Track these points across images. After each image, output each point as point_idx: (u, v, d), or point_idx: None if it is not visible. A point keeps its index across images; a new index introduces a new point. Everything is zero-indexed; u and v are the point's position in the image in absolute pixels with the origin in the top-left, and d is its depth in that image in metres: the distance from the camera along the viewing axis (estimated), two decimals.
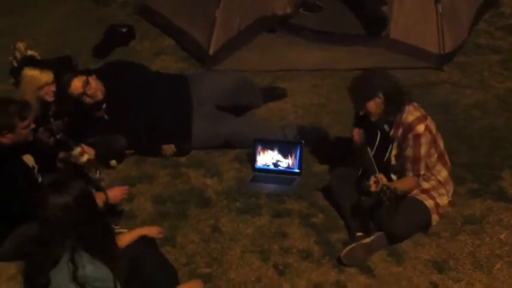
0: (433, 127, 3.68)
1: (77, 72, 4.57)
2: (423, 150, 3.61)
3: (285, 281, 3.49)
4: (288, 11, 6.07)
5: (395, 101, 3.64)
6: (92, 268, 2.60)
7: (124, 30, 6.12)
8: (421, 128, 3.59)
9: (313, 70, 5.61)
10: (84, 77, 4.40)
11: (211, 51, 5.61)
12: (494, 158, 4.41)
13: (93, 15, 6.64)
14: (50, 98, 4.23)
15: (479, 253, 3.64)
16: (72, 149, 3.86)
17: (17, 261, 3.53)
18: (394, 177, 3.74)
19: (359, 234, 3.66)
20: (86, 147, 3.88)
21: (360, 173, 3.83)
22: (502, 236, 3.76)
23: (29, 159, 3.62)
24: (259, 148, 4.39)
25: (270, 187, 4.24)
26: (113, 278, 2.67)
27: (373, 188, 3.39)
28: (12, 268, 3.57)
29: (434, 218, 3.73)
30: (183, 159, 4.54)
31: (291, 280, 3.50)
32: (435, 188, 3.74)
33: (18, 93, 4.25)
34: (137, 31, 6.24)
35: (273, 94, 5.17)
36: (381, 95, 3.61)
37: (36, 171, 3.65)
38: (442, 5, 5.46)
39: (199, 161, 4.51)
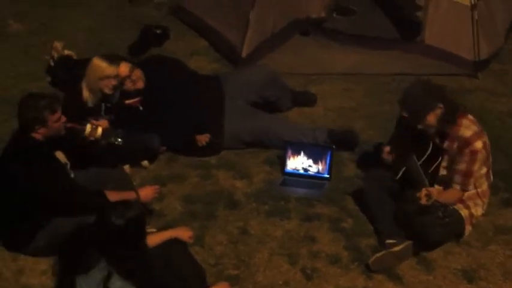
0: (488, 143, 3.63)
1: (124, 59, 4.66)
2: (477, 166, 3.57)
3: (313, 286, 3.49)
4: (322, 14, 6.05)
5: (453, 112, 3.57)
6: (120, 285, 2.66)
7: (158, 31, 6.17)
8: (479, 144, 3.54)
9: (345, 74, 5.60)
10: (130, 63, 4.52)
11: (244, 54, 5.63)
12: None
13: (128, 16, 6.72)
14: (108, 91, 4.32)
15: (510, 264, 3.60)
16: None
17: (48, 257, 3.61)
18: (436, 187, 3.67)
19: (389, 241, 3.62)
20: (95, 121, 4.00)
21: (398, 177, 3.77)
22: None
23: (60, 156, 3.68)
24: (290, 152, 4.39)
25: (300, 191, 4.23)
26: None
27: (423, 201, 3.35)
28: (43, 263, 3.63)
29: (468, 228, 3.69)
30: (213, 161, 4.56)
31: (318, 285, 3.49)
32: (471, 198, 3.69)
33: (83, 79, 4.34)
34: (171, 32, 6.29)
35: (304, 98, 5.16)
36: (441, 105, 3.54)
37: (68, 167, 3.71)
38: (478, 11, 5.39)
39: (229, 162, 4.53)
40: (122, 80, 4.43)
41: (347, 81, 5.52)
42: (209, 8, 6.24)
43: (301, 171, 4.38)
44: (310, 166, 4.38)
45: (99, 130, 3.94)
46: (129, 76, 4.48)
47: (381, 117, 4.91)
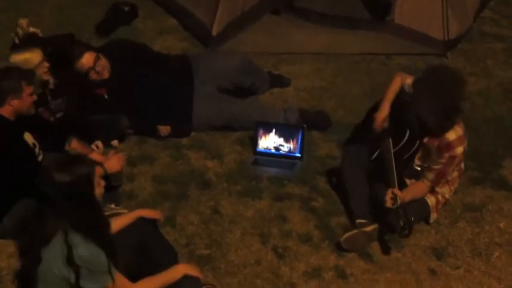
0: (466, 147, 3.60)
1: (89, 47, 4.56)
2: (451, 168, 3.57)
3: (284, 264, 3.50)
4: None
5: (451, 123, 3.49)
6: (85, 248, 2.59)
7: (127, 8, 6.06)
8: (459, 150, 3.51)
9: (317, 53, 5.59)
10: (95, 53, 4.39)
11: (214, 32, 5.56)
12: (497, 146, 4.42)
13: None
14: (46, 76, 4.22)
15: (479, 241, 3.66)
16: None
17: (16, 240, 3.55)
18: (407, 180, 3.68)
19: (360, 221, 3.62)
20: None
21: (373, 157, 3.74)
22: (501, 225, 3.78)
23: (28, 137, 3.61)
24: (261, 131, 4.37)
25: (271, 171, 4.23)
26: (107, 262, 2.65)
27: (388, 204, 3.36)
28: (11, 246, 3.55)
29: (433, 215, 3.72)
30: (184, 141, 4.52)
31: (290, 263, 3.51)
32: (440, 186, 3.70)
33: None
34: (140, 10, 6.19)
35: (278, 81, 5.13)
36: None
37: (37, 149, 3.64)
38: None
39: (201, 142, 4.50)
40: (86, 71, 4.34)
41: (318, 60, 5.51)
42: None
43: (273, 151, 4.38)
44: (281, 145, 4.37)
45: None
46: (93, 67, 4.38)
47: (351, 97, 4.94)
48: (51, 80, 4.34)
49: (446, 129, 3.50)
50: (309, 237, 3.68)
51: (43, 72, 4.20)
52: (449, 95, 3.43)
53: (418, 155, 3.63)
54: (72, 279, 2.60)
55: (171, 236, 3.57)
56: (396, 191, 3.39)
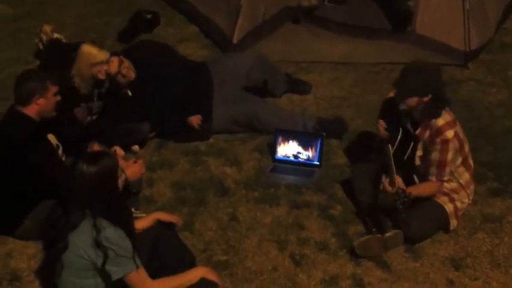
0: (461, 132, 3.62)
1: (110, 53, 4.63)
2: (450, 156, 3.55)
3: (301, 272, 3.50)
4: (314, 2, 6.05)
5: (439, 108, 3.54)
6: (113, 230, 2.71)
7: (149, 16, 6.15)
8: (450, 133, 3.52)
9: (335, 63, 5.60)
10: (118, 57, 4.47)
11: (235, 40, 5.61)
12: None
13: (118, 1, 6.67)
14: (102, 76, 4.34)
15: (498, 252, 3.63)
16: None
17: (36, 241, 3.60)
18: (416, 179, 3.68)
19: (376, 229, 3.63)
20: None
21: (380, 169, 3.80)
22: None
23: (52, 138, 3.66)
24: (280, 139, 4.39)
25: (290, 178, 4.24)
26: (133, 251, 2.76)
27: (387, 189, 3.39)
28: (31, 248, 3.62)
29: (453, 222, 3.71)
30: (203, 148, 4.56)
31: (307, 271, 3.51)
32: (456, 191, 3.70)
33: (73, 68, 4.34)
34: (162, 17, 6.26)
35: (298, 86, 5.15)
36: (430, 95, 3.50)
37: (60, 150, 3.69)
38: (470, 2, 5.39)
39: (220, 149, 4.53)
40: (113, 76, 4.41)
41: (337, 70, 5.52)
42: None
43: (292, 158, 4.39)
44: (300, 153, 4.38)
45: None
46: (119, 72, 4.44)
47: (370, 107, 4.91)
48: (106, 83, 4.41)
49: (433, 115, 3.53)
50: (326, 245, 3.68)
51: (102, 71, 4.29)
52: (426, 74, 3.51)
53: (418, 154, 3.63)
54: (100, 262, 2.71)
55: (189, 242, 3.60)
56: (395, 176, 3.41)
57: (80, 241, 2.72)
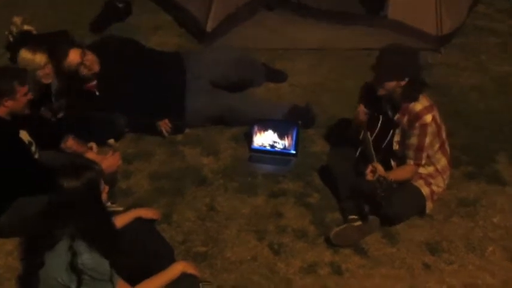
0: (438, 117, 3.65)
1: (72, 44, 4.54)
2: (427, 140, 3.59)
3: (280, 261, 3.53)
4: None
5: (416, 91, 3.57)
6: (88, 256, 2.61)
7: (121, 5, 6.06)
8: (428, 118, 3.55)
9: (312, 49, 5.59)
10: (80, 49, 4.39)
11: (208, 28, 5.57)
12: (490, 141, 4.44)
13: None
14: (46, 80, 4.18)
15: (473, 236, 3.69)
16: None
17: (14, 237, 3.56)
18: (393, 163, 3.72)
19: (352, 217, 3.66)
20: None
21: (357, 154, 3.83)
22: (495, 219, 3.80)
23: (24, 135, 3.61)
24: (256, 128, 4.39)
25: (267, 167, 4.25)
26: (110, 271, 2.67)
27: (369, 177, 3.41)
28: (9, 244, 3.58)
29: (429, 205, 3.76)
30: (179, 138, 4.54)
31: (285, 259, 3.53)
32: (432, 176, 3.74)
33: None
34: (134, 6, 6.18)
35: (275, 76, 5.15)
36: (406, 79, 3.53)
37: (33, 147, 3.64)
38: None
39: (196, 139, 4.52)
40: (75, 68, 4.33)
41: (312, 56, 5.53)
42: None
43: (268, 148, 4.39)
44: (276, 142, 4.39)
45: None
46: (81, 62, 4.36)
47: (347, 93, 4.93)
48: (55, 82, 4.32)
49: (411, 98, 3.56)
50: (305, 233, 3.71)
51: (44, 76, 4.17)
52: (404, 57, 3.54)
53: (396, 139, 3.67)
54: (74, 286, 2.62)
55: (167, 233, 3.59)
56: (376, 164, 3.45)
57: (55, 264, 2.62)
